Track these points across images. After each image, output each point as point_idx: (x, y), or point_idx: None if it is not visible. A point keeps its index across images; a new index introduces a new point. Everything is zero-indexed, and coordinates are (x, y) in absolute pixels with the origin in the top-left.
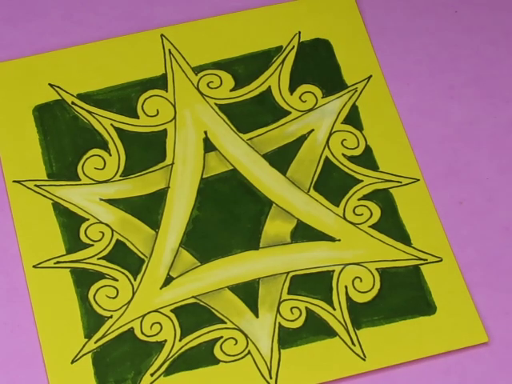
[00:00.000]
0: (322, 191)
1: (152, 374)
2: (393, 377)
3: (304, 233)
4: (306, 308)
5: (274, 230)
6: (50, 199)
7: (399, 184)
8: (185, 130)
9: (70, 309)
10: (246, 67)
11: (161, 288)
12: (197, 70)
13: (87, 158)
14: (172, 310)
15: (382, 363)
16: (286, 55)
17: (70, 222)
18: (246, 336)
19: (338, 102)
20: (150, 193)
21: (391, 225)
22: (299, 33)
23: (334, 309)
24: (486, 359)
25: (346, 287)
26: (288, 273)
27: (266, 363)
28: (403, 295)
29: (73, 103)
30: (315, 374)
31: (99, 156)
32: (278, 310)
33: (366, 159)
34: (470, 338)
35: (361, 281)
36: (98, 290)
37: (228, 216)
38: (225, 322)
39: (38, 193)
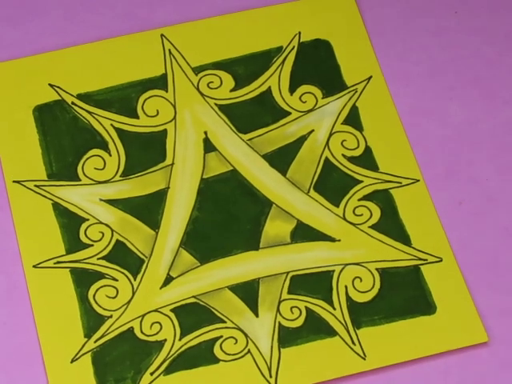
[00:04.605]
0: (321, 192)
1: (152, 373)
2: (393, 376)
3: (304, 233)
4: (306, 307)
5: (273, 230)
6: (50, 199)
7: (399, 184)
8: (185, 131)
9: (69, 308)
10: (246, 67)
11: (161, 288)
12: (197, 70)
13: (87, 159)
14: (172, 310)
15: (381, 362)
16: (286, 56)
17: (70, 222)
18: (246, 335)
19: (338, 102)
20: (149, 193)
21: (391, 225)
22: (299, 33)
23: (334, 308)
24: (485, 359)
25: (346, 287)
26: (288, 273)
27: (265, 362)
28: (403, 295)
29: (73, 103)
30: (315, 373)
31: (99, 156)
32: (277, 310)
33: (366, 160)
34: (469, 338)
35: (361, 281)
36: (97, 290)
37: (228, 216)
38: (225, 322)
39: (38, 193)
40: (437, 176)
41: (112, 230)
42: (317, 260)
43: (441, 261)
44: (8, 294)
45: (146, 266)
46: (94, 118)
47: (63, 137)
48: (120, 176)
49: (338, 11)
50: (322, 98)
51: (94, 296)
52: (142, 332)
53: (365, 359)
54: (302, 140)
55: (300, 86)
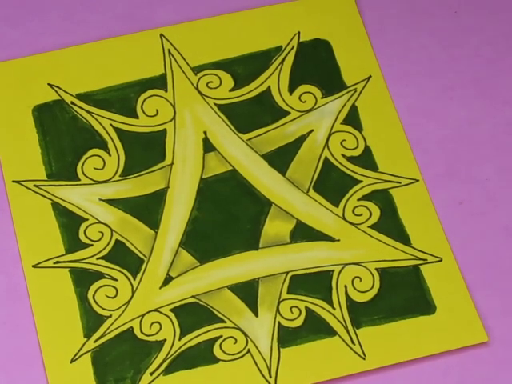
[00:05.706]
0: (321, 191)
1: (151, 373)
2: (392, 376)
3: (303, 233)
4: (306, 307)
5: (273, 230)
6: (50, 199)
7: (399, 184)
8: (184, 130)
9: (69, 308)
10: (245, 67)
11: (160, 288)
12: (196, 69)
13: (87, 158)
14: (171, 310)
15: (381, 362)
16: (286, 55)
17: (70, 222)
18: (246, 335)
19: (337, 102)
20: (149, 193)
21: (391, 225)
22: (299, 33)
23: (334, 308)
24: (485, 359)
25: (345, 287)
26: (287, 272)
27: (265, 362)
28: (403, 295)
29: (72, 103)
30: (315, 372)
31: (99, 156)
32: (277, 310)
33: (366, 160)
34: (469, 338)
35: (360, 280)
36: (97, 290)
37: (227, 216)
38: (224, 322)
39: (38, 193)
40: (436, 176)
41: (111, 230)
42: (316, 260)
43: (440, 261)
44: (8, 294)
45: (146, 265)
46: (93, 117)
47: (63, 137)
48: (119, 176)
49: (338, 11)
50: (322, 98)
51: (93, 296)
52: (141, 332)
53: (364, 359)
54: (301, 140)
55: (299, 85)
